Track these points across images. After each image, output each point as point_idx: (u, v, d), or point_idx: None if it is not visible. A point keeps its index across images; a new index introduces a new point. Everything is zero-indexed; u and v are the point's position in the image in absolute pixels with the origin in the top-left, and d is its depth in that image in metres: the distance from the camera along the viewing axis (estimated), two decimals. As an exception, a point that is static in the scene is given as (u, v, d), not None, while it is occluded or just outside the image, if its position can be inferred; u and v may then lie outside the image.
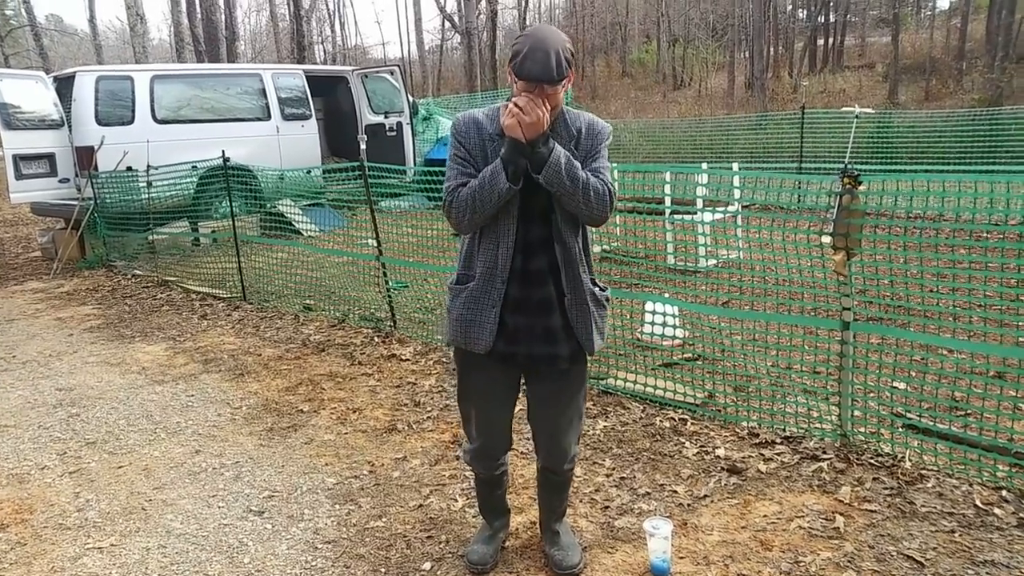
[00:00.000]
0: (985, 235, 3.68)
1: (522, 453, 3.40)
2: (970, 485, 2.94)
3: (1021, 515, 2.73)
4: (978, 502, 2.83)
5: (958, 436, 3.14)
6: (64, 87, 8.83)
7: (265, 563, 2.76)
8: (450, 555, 2.74)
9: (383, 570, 2.68)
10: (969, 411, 3.41)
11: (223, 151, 6.87)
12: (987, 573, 2.44)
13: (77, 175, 8.71)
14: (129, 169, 8.33)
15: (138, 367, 5.07)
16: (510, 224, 2.22)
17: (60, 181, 8.77)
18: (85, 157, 8.50)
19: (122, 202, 8.27)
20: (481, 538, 2.69)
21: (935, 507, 2.82)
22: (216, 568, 2.75)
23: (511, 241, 2.23)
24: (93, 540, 2.96)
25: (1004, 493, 2.87)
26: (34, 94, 8.59)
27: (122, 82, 8.87)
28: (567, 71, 2.08)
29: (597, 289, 2.37)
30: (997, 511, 2.77)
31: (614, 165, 4.71)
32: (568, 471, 2.56)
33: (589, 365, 2.48)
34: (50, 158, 8.68)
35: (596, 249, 6.62)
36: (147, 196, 7.88)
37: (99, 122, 8.57)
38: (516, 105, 2.05)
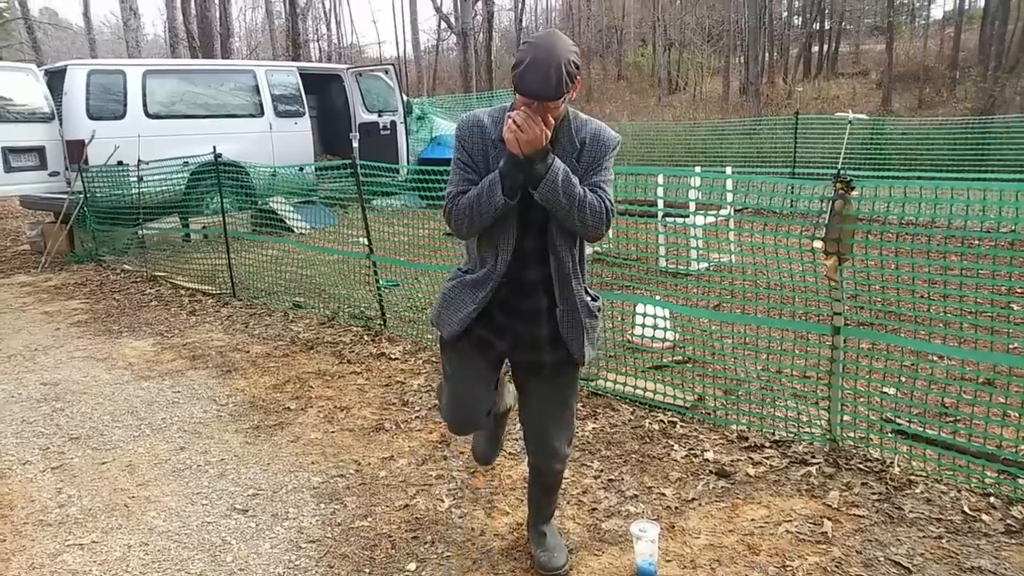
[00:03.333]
0: (976, 242, 3.68)
1: (511, 454, 3.38)
2: (958, 491, 2.94)
3: (1008, 522, 2.72)
4: (966, 508, 2.82)
5: (947, 442, 3.13)
6: (55, 80, 8.76)
7: (248, 562, 2.73)
8: (435, 556, 2.72)
9: (367, 570, 2.65)
10: (958, 417, 3.40)
11: (215, 147, 6.83)
12: (974, 580, 2.43)
13: (67, 168, 8.64)
14: (120, 163, 8.29)
15: (125, 362, 5.03)
16: (509, 234, 2.21)
17: (50, 174, 8.70)
18: (75, 151, 8.44)
19: (112, 197, 8.22)
20: (480, 438, 2.73)
21: (923, 513, 2.81)
22: (198, 566, 2.71)
23: (509, 250, 2.22)
24: (74, 537, 2.92)
25: (992, 499, 2.86)
26: (24, 87, 8.52)
27: (114, 76, 8.81)
28: (568, 87, 2.00)
29: (589, 299, 2.35)
30: (985, 517, 2.76)
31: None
32: (559, 472, 2.54)
33: (580, 369, 2.46)
34: (40, 151, 8.62)
35: (588, 251, 6.61)
36: (137, 191, 7.83)
37: (90, 116, 8.51)
38: (514, 121, 1.99)
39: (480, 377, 2.41)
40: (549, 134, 2.03)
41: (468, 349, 2.35)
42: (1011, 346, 3.68)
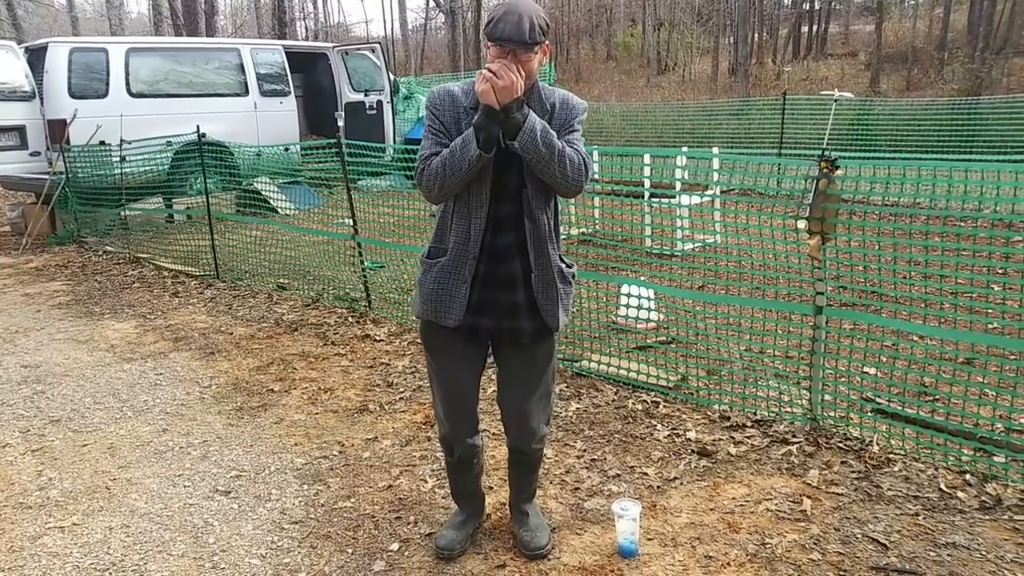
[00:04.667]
0: (959, 223, 3.70)
1: (493, 434, 3.39)
2: (935, 469, 2.97)
3: (983, 498, 2.76)
4: (943, 486, 2.85)
5: (925, 421, 3.16)
6: (36, 58, 8.62)
7: (230, 543, 2.73)
8: (418, 536, 2.72)
9: (350, 550, 2.66)
10: (937, 396, 3.44)
11: (198, 127, 6.74)
12: (949, 555, 2.46)
13: (48, 148, 8.53)
14: (102, 143, 8.16)
15: (106, 344, 4.99)
16: (482, 199, 2.20)
17: (31, 154, 8.58)
18: (57, 130, 8.32)
19: (94, 177, 8.11)
20: (452, 523, 2.67)
21: (901, 490, 2.84)
22: (180, 548, 2.71)
23: (483, 216, 2.21)
24: (54, 519, 2.91)
25: (968, 477, 2.90)
26: (4, 64, 8.38)
27: (96, 54, 8.67)
28: (541, 38, 2.07)
29: (564, 266, 2.35)
30: (960, 494, 2.79)
31: (595, 147, 4.67)
32: (537, 451, 2.54)
33: (556, 343, 2.46)
34: (20, 131, 8.50)
35: (574, 232, 6.60)
36: (120, 171, 7.73)
37: (72, 95, 8.39)
38: (490, 70, 2.02)
39: (470, 366, 2.41)
40: (524, 86, 2.06)
41: (457, 339, 2.33)
42: (990, 326, 3.71)
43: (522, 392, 2.41)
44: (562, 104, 2.22)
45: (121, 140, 7.75)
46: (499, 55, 2.05)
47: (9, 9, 24.66)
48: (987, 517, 2.65)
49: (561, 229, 2.38)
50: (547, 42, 2.12)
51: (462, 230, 2.23)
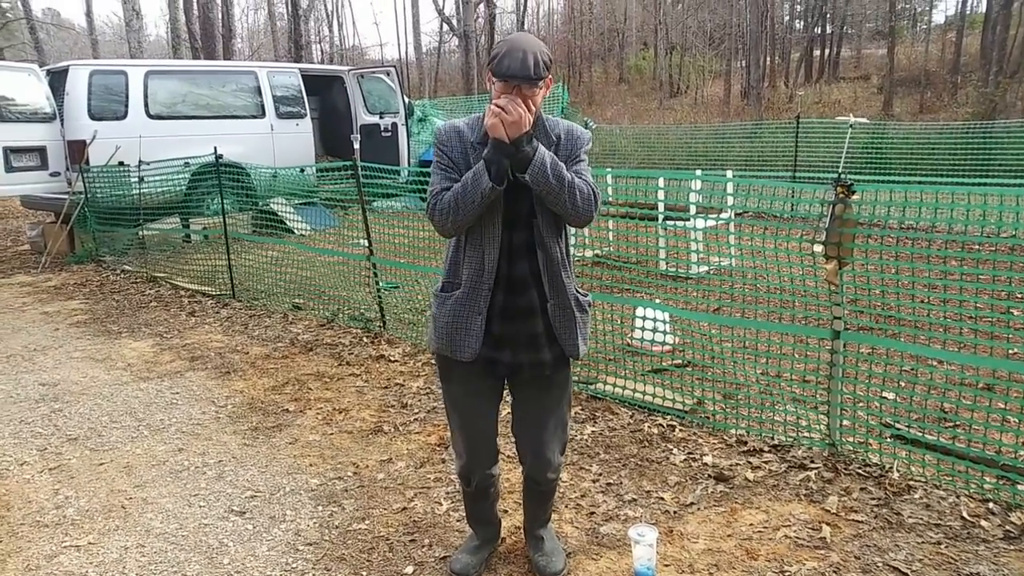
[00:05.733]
0: (977, 247, 3.68)
1: (508, 457, 3.37)
2: (957, 497, 2.93)
3: (1007, 527, 2.71)
4: (965, 514, 2.81)
5: (946, 447, 3.12)
6: (57, 80, 8.77)
7: (245, 564, 2.72)
8: (432, 559, 2.71)
9: (364, 573, 2.65)
10: (958, 423, 3.40)
11: (216, 148, 6.83)
12: (973, 586, 2.42)
13: (68, 169, 8.65)
14: (121, 164, 8.29)
15: (123, 363, 5.02)
16: (495, 230, 2.21)
17: (51, 175, 8.71)
18: (77, 151, 8.44)
19: (113, 197, 8.21)
20: (467, 548, 2.65)
21: (922, 518, 2.80)
22: (195, 568, 2.71)
23: (496, 247, 2.22)
24: (71, 538, 2.92)
25: (991, 505, 2.85)
26: (26, 86, 8.53)
27: (116, 76, 8.81)
28: (544, 72, 2.09)
29: (580, 294, 2.35)
30: (984, 523, 2.75)
31: (608, 170, 4.69)
32: (552, 480, 2.53)
33: (573, 372, 2.45)
34: (41, 151, 8.62)
35: (588, 254, 6.61)
36: (138, 191, 7.83)
37: (92, 116, 8.52)
38: (498, 105, 2.05)
39: (488, 400, 2.40)
40: (531, 118, 2.08)
41: (474, 372, 2.32)
42: (1011, 351, 3.67)
43: (538, 423, 2.40)
44: (567, 135, 2.25)
45: (140, 161, 7.86)
46: (504, 91, 2.09)
47: (31, 32, 25.14)
48: (1011, 547, 2.61)
49: (575, 251, 2.39)
50: (550, 76, 2.15)
51: (476, 262, 2.24)
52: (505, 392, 2.47)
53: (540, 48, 2.10)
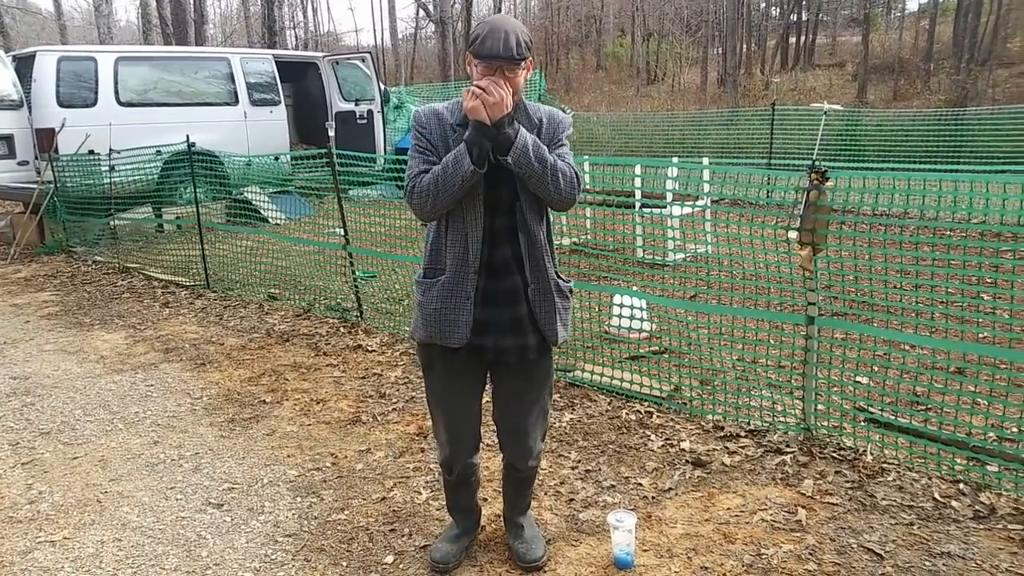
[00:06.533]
0: (948, 233, 3.73)
1: (487, 445, 3.37)
2: (929, 478, 2.98)
3: (977, 507, 2.77)
4: (937, 495, 2.87)
5: (918, 430, 3.18)
6: (24, 67, 8.58)
7: (224, 556, 2.71)
8: (413, 548, 2.71)
9: (344, 563, 2.64)
10: (930, 406, 3.46)
11: (188, 136, 6.72)
12: (944, 565, 2.47)
13: (37, 157, 8.48)
14: (91, 152, 8.13)
15: (96, 355, 4.95)
16: (477, 214, 2.20)
17: (19, 163, 8.53)
18: (45, 139, 8.28)
19: (83, 186, 8.07)
20: (447, 536, 2.66)
21: (895, 500, 2.86)
22: (173, 561, 2.68)
23: (479, 232, 2.20)
24: (45, 533, 2.88)
25: (961, 486, 2.91)
26: (-9, 73, 8.34)
27: (85, 63, 8.64)
28: (526, 53, 2.09)
29: (561, 280, 2.35)
30: (955, 504, 2.81)
31: (585, 157, 4.69)
32: (533, 468, 2.54)
33: (554, 360, 2.46)
34: (8, 140, 8.45)
35: (566, 242, 6.61)
36: (109, 181, 7.69)
37: (60, 103, 8.35)
38: (479, 86, 2.04)
39: (472, 388, 2.40)
40: (511, 100, 2.07)
41: (458, 360, 2.31)
42: (980, 335, 3.74)
43: (519, 410, 2.40)
44: (549, 119, 2.24)
45: (110, 149, 7.72)
46: (486, 72, 2.07)
47: (-4, 17, 24.53)
48: (981, 526, 2.67)
49: (553, 239, 2.39)
50: (531, 57, 2.14)
51: (459, 246, 2.22)
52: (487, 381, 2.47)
53: (521, 29, 2.10)
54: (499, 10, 33.69)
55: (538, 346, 2.33)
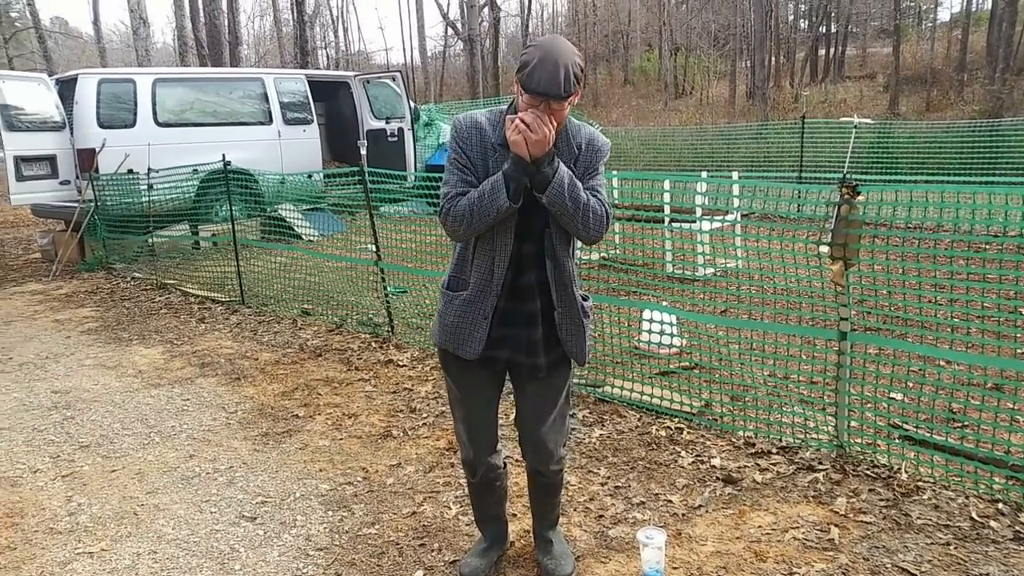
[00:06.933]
0: (984, 246, 3.67)
1: (516, 461, 3.38)
2: (966, 497, 2.93)
3: (1017, 528, 2.71)
4: (974, 515, 2.81)
5: (955, 448, 3.12)
6: (66, 89, 8.85)
7: (256, 569, 2.75)
8: (442, 563, 2.73)
9: (375, 577, 2.66)
10: (966, 423, 3.39)
11: (223, 155, 6.87)
12: (982, 587, 2.42)
13: (78, 177, 8.72)
14: (130, 172, 8.35)
15: (134, 370, 5.06)
16: (507, 239, 2.21)
17: (61, 183, 8.78)
18: (86, 159, 8.52)
19: (122, 205, 8.28)
20: (476, 551, 2.67)
21: (931, 519, 2.80)
22: (207, 574, 2.73)
23: (507, 256, 2.22)
24: (84, 545, 2.95)
25: (1000, 506, 2.85)
26: (36, 96, 8.61)
27: (124, 85, 8.89)
28: (575, 87, 2.04)
29: (583, 302, 2.38)
30: (993, 524, 2.75)
31: (614, 173, 4.71)
32: (556, 472, 2.54)
33: (579, 375, 2.48)
34: (51, 160, 8.70)
35: (595, 256, 6.61)
36: (147, 199, 7.89)
37: (101, 124, 8.59)
38: (523, 121, 2.01)
39: (488, 392, 2.43)
40: (554, 136, 2.05)
41: (474, 367, 2.35)
42: (1019, 351, 3.67)
43: (537, 416, 2.42)
44: (588, 144, 2.22)
45: (148, 168, 7.92)
46: (531, 103, 2.03)
47: (40, 41, 25.34)
48: (1021, 547, 2.61)
49: (581, 254, 2.41)
50: (581, 85, 2.08)
51: (484, 267, 2.24)
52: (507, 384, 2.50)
53: (573, 60, 2.03)
54: (527, 27, 33.94)
55: (549, 365, 2.35)
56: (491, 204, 2.09)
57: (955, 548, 2.63)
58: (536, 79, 1.99)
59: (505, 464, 2.63)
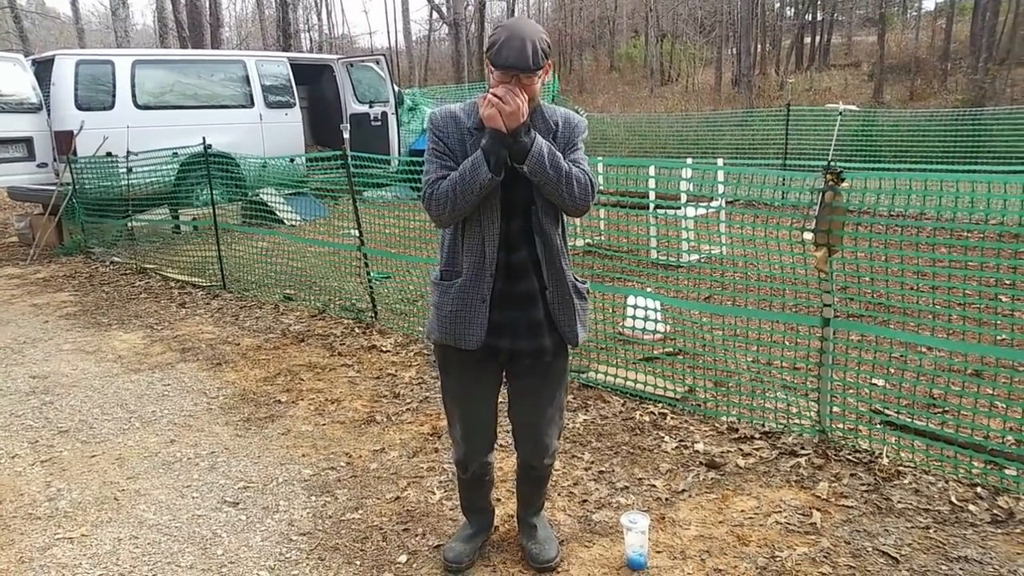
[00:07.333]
0: (965, 234, 3.70)
1: (501, 446, 3.38)
2: (946, 482, 2.96)
3: (995, 511, 2.75)
4: (953, 499, 2.84)
5: (935, 433, 3.15)
6: (43, 70, 8.68)
7: (239, 554, 2.73)
8: (426, 548, 2.72)
9: (358, 562, 2.66)
10: (946, 408, 3.43)
11: (204, 138, 6.78)
12: (961, 569, 2.45)
13: (55, 160, 8.58)
14: (109, 155, 8.22)
15: (114, 355, 5.00)
16: (494, 218, 2.20)
17: (38, 166, 8.64)
18: (64, 142, 8.38)
19: (101, 188, 8.16)
20: (461, 536, 2.67)
21: (911, 503, 2.83)
22: (188, 559, 2.71)
23: (496, 233, 2.21)
24: (63, 530, 2.91)
25: (979, 490, 2.89)
26: (12, 77, 8.44)
27: (103, 66, 8.74)
28: (543, 61, 2.08)
29: (578, 282, 2.36)
30: (972, 507, 2.78)
31: (599, 159, 4.69)
32: (548, 466, 2.54)
33: (570, 359, 2.46)
34: (28, 142, 8.55)
35: (580, 243, 6.61)
36: (127, 182, 7.77)
37: (79, 106, 8.45)
38: (495, 95, 2.03)
39: (488, 387, 2.41)
40: (527, 109, 2.07)
41: (475, 360, 2.32)
42: (998, 338, 3.71)
43: (535, 408, 2.41)
44: (564, 122, 2.25)
45: (127, 151, 7.80)
46: (502, 80, 2.07)
47: (16, 21, 24.83)
48: (999, 531, 2.64)
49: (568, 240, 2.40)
50: (549, 62, 2.13)
51: (476, 249, 2.23)
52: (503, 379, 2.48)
53: (539, 35, 2.09)
54: (512, 12, 33.72)
55: (554, 348, 2.33)
56: (473, 180, 2.09)
57: (935, 531, 2.66)
58: (504, 55, 2.04)
59: (494, 456, 2.62)
